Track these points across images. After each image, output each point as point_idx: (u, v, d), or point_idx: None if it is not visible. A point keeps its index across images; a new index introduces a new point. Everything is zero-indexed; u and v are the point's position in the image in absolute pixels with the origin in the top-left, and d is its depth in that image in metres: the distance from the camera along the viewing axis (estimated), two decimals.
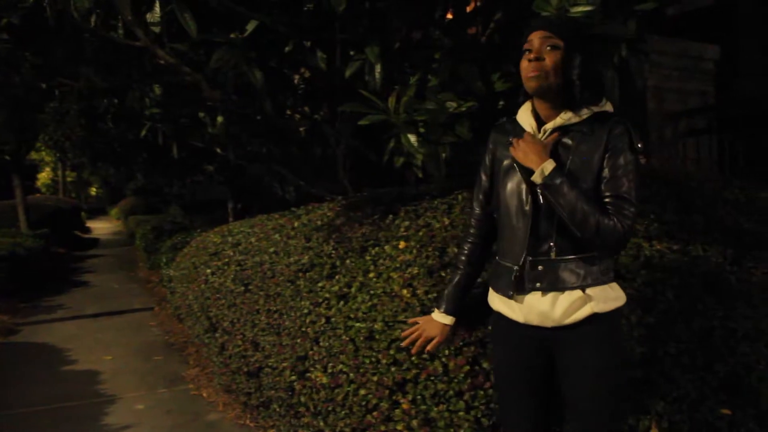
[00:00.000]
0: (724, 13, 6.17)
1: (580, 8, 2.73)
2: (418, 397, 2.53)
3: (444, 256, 2.77)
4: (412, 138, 3.06)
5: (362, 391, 2.72)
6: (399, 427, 2.56)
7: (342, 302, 3.02)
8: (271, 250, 3.97)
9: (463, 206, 3.13)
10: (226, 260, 4.48)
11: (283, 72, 4.56)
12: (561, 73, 1.95)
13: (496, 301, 2.15)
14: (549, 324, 2.02)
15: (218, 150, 6.26)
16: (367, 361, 2.72)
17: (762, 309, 2.74)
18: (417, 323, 2.39)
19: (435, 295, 2.62)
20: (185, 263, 5.83)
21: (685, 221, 2.99)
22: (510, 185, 2.08)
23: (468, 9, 4.23)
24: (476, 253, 2.29)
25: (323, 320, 3.08)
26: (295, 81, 5.06)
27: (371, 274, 2.98)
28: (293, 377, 3.22)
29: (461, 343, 2.46)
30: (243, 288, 4.03)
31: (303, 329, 3.21)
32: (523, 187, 2.03)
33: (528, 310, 2.04)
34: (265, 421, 3.96)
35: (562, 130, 2.01)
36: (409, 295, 2.69)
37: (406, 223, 3.21)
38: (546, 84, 1.96)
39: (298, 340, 3.23)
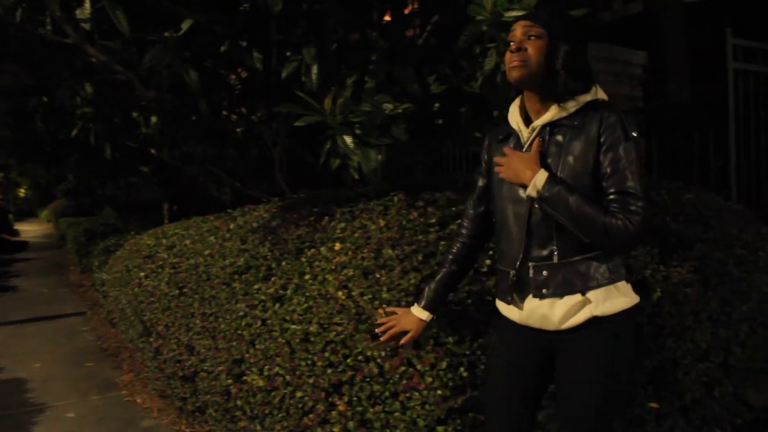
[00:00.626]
0: (652, 20, 6.37)
1: (514, 12, 2.77)
2: (354, 398, 2.53)
3: (379, 258, 2.78)
4: (348, 139, 3.06)
5: (298, 394, 2.70)
6: (335, 429, 2.55)
7: (278, 304, 3.00)
8: (206, 252, 3.91)
9: (399, 208, 3.14)
10: (160, 263, 4.39)
11: (219, 72, 4.50)
12: (543, 62, 1.89)
13: (499, 303, 2.14)
14: (550, 327, 1.97)
15: (153, 150, 6.13)
16: (303, 363, 2.71)
17: (686, 307, 2.83)
18: (395, 313, 2.32)
19: (370, 296, 2.62)
20: (118, 266, 5.68)
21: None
22: (504, 188, 2.02)
23: (406, 11, 4.25)
24: (463, 253, 2.24)
25: (259, 323, 3.05)
26: (232, 81, 5.00)
27: (307, 276, 2.96)
28: (229, 381, 3.18)
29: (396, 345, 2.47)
30: (177, 291, 3.96)
31: (239, 332, 3.17)
32: (518, 189, 1.97)
33: (528, 314, 2.00)
34: (201, 426, 3.90)
35: (552, 125, 1.94)
36: (344, 297, 2.69)
37: (342, 224, 3.21)
38: (527, 74, 1.90)
39: (234, 343, 3.19)
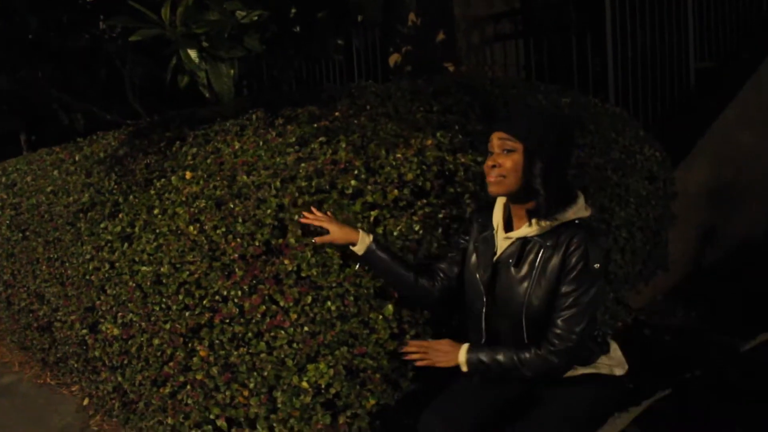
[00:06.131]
0: None
1: None
2: (216, 342, 2.34)
3: (233, 185, 2.52)
4: (193, 53, 2.74)
5: (156, 341, 2.50)
6: (199, 376, 2.38)
7: (126, 244, 2.72)
8: (49, 189, 3.53)
9: (256, 127, 2.87)
10: (0, 204, 3.97)
11: None
12: (522, 177, 1.92)
13: None
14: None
15: None
16: (157, 308, 2.50)
17: None
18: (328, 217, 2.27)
19: (224, 230, 2.38)
20: None
21: (489, 131, 2.92)
22: (482, 268, 2.11)
23: None
24: (424, 289, 2.23)
25: (107, 266, 2.79)
26: None
27: (156, 211, 2.68)
28: (84, 330, 2.96)
29: (255, 281, 2.26)
30: (21, 235, 3.61)
31: (87, 277, 2.91)
32: (489, 273, 2.08)
33: None
34: (65, 378, 3.65)
35: (525, 240, 2.00)
36: (195, 233, 2.44)
37: (194, 149, 2.92)
38: (506, 191, 1.96)
39: (84, 290, 2.93)
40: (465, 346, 2.07)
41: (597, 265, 1.92)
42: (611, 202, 3.07)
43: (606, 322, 3.36)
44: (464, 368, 2.06)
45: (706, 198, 4.33)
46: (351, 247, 2.20)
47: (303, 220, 2.25)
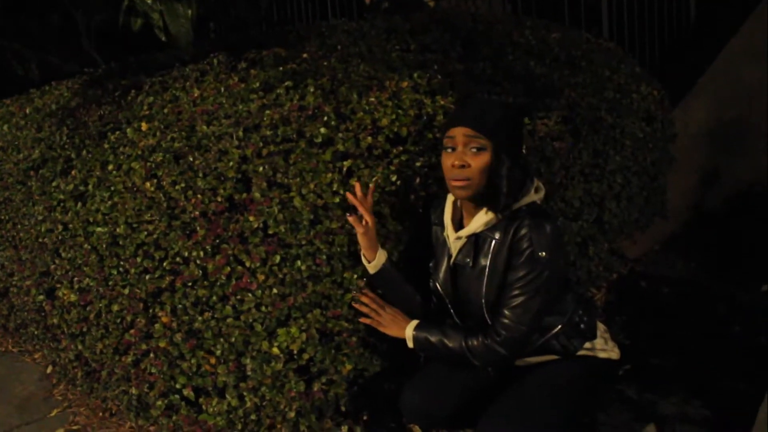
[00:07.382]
0: None
1: None
2: (178, 307, 2.27)
3: (192, 137, 2.41)
4: None
5: (115, 307, 2.43)
6: (162, 344, 2.30)
7: (79, 204, 2.63)
8: None
9: (218, 72, 2.75)
10: None
11: None
12: (488, 177, 1.86)
13: None
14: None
15: None
16: (115, 271, 2.42)
17: (555, 162, 2.70)
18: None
19: (183, 185, 2.29)
20: None
21: (471, 70, 2.82)
22: (440, 272, 2.09)
23: None
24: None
25: (60, 227, 2.70)
26: None
27: (110, 166, 2.58)
28: (41, 297, 2.87)
29: (218, 240, 2.17)
30: None
31: (40, 240, 2.83)
32: (448, 276, 2.06)
33: None
34: (27, 345, 3.59)
35: (476, 236, 1.97)
36: (153, 189, 2.35)
37: (151, 98, 2.80)
38: (471, 194, 1.89)
39: (37, 253, 2.85)
40: (414, 323, 2.04)
41: (543, 254, 1.86)
42: (605, 146, 3.00)
43: (600, 274, 3.31)
44: (410, 344, 2.04)
45: (708, 139, 4.25)
46: (365, 262, 2.13)
47: (349, 195, 2.09)
